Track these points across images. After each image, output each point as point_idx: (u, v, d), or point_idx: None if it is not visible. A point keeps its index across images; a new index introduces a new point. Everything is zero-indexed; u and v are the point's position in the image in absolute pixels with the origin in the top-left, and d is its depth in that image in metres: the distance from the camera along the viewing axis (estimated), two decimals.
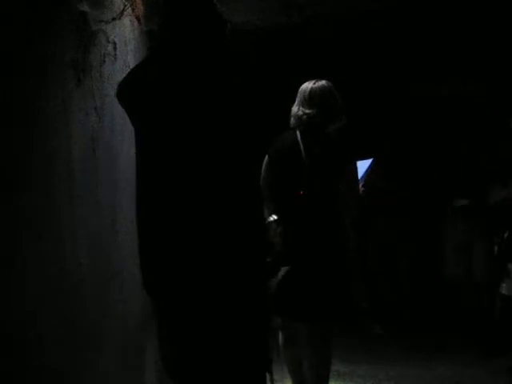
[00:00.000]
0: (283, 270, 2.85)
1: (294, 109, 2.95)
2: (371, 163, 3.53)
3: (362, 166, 3.37)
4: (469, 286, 4.46)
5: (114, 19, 2.27)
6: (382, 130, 5.04)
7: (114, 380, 2.18)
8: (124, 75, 2.34)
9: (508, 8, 3.48)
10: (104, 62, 2.15)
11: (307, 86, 2.95)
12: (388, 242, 5.07)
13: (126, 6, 2.45)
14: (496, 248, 4.06)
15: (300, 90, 2.97)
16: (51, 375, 1.60)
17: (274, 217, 2.91)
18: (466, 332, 4.35)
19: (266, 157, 3.04)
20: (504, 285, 3.93)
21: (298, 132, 2.96)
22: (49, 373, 1.58)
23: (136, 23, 2.81)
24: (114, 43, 2.29)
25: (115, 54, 2.31)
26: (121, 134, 2.43)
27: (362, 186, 3.35)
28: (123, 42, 2.48)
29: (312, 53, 4.37)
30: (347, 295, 3.00)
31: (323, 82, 2.95)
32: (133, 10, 2.68)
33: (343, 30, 3.98)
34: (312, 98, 2.90)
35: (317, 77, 3.01)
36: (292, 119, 2.96)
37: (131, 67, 2.56)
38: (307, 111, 2.90)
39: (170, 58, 1.77)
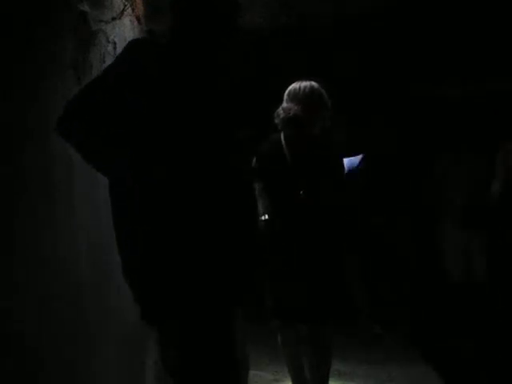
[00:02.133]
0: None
1: (280, 108, 2.92)
2: (361, 159, 3.50)
3: (352, 162, 3.33)
4: (469, 285, 4.46)
5: (113, 19, 2.27)
6: (381, 129, 5.04)
7: (113, 380, 2.18)
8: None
9: (508, 8, 3.48)
10: (104, 61, 2.15)
11: (293, 85, 2.93)
12: (388, 241, 5.08)
13: (126, 6, 2.45)
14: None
15: (287, 90, 2.95)
16: (51, 375, 1.60)
17: (266, 217, 2.91)
18: (465, 332, 4.35)
19: (254, 159, 3.04)
20: None
21: (282, 134, 2.95)
22: (48, 373, 1.58)
23: (136, 23, 2.81)
24: (114, 43, 2.29)
25: (115, 54, 2.31)
26: None
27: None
28: (123, 42, 2.47)
29: (312, 53, 4.37)
30: (346, 295, 3.00)
31: (310, 82, 2.92)
32: (133, 9, 2.68)
33: (343, 30, 3.98)
34: (297, 95, 2.87)
35: (316, 77, 3.00)
36: (276, 119, 2.93)
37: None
38: (290, 106, 2.86)
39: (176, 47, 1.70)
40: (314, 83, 2.91)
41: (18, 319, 1.41)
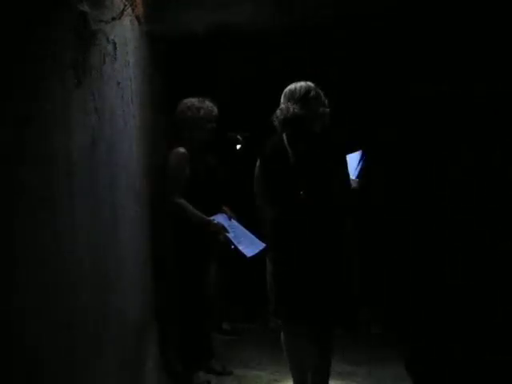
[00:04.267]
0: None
1: (277, 110, 2.96)
2: (361, 156, 3.52)
3: (352, 159, 3.36)
4: (468, 286, 4.46)
5: (113, 19, 2.27)
6: (381, 129, 5.04)
7: (113, 380, 2.18)
8: (124, 75, 2.35)
9: (508, 8, 3.48)
10: (104, 62, 2.15)
11: (290, 86, 2.98)
12: (388, 241, 5.08)
13: (126, 6, 2.45)
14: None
15: (283, 91, 2.99)
16: (50, 376, 1.60)
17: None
18: (465, 332, 4.35)
19: (258, 161, 3.06)
20: None
21: (284, 134, 2.97)
22: (47, 373, 1.58)
23: (136, 23, 2.81)
24: (114, 43, 2.29)
25: (115, 54, 2.30)
26: (121, 133, 2.42)
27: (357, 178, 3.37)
28: (123, 42, 2.47)
29: (312, 53, 4.37)
30: (349, 297, 2.99)
31: (306, 82, 2.97)
32: (133, 10, 2.68)
33: (343, 31, 3.98)
34: (293, 95, 2.92)
35: (316, 77, 3.02)
36: (275, 121, 2.96)
37: (131, 67, 2.57)
38: (288, 106, 2.90)
39: None
40: (309, 83, 2.96)
41: (17, 319, 1.41)
